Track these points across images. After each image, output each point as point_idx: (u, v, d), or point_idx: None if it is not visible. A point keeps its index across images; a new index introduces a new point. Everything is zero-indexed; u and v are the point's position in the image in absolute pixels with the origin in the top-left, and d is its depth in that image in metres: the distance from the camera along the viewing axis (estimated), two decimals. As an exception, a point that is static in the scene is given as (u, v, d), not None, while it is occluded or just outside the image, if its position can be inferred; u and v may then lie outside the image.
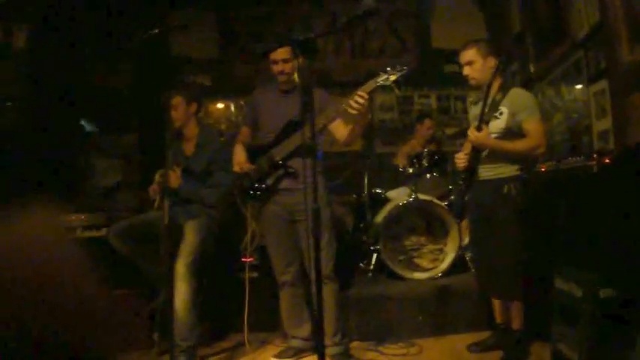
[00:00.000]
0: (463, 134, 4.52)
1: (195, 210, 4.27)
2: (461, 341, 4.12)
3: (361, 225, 5.76)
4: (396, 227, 5.19)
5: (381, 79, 3.25)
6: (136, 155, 6.87)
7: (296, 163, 3.74)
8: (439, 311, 4.50)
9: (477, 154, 3.76)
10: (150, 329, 4.13)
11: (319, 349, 2.68)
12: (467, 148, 3.87)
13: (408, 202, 5.13)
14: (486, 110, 3.69)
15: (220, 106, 7.85)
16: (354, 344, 4.23)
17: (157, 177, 4.41)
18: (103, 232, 4.52)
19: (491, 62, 3.75)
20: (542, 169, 3.86)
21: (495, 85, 3.75)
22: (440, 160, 5.66)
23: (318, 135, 3.84)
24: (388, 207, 5.31)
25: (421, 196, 5.17)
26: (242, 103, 7.73)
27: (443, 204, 5.22)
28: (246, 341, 4.14)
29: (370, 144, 7.57)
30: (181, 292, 3.89)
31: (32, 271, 0.90)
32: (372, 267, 5.14)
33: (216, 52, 7.84)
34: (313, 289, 3.52)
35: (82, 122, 6.64)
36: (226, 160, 4.43)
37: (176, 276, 3.91)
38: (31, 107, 5.51)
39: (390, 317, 4.48)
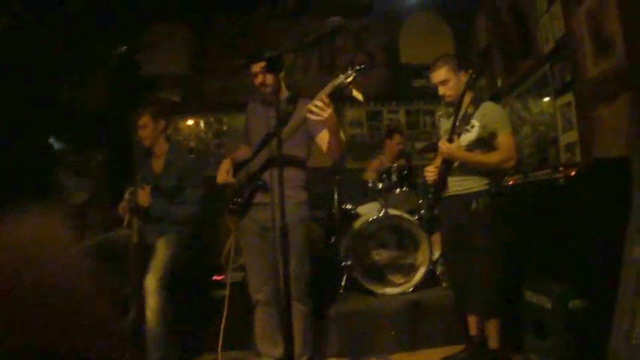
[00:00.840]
0: (432, 148, 4.55)
1: (166, 227, 4.25)
2: (434, 355, 4.10)
3: (332, 241, 5.75)
4: (366, 242, 5.18)
5: (339, 81, 3.18)
6: (106, 173, 6.80)
7: (270, 177, 3.67)
8: (412, 326, 4.48)
9: (447, 166, 3.78)
10: (121, 347, 4.07)
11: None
12: (437, 161, 3.89)
13: (378, 218, 5.13)
14: (457, 123, 3.72)
15: (190, 122, 7.81)
16: (327, 361, 4.21)
17: (126, 195, 4.36)
18: (72, 251, 4.45)
19: (463, 77, 3.78)
20: (510, 182, 3.89)
21: (467, 99, 3.77)
22: (409, 175, 5.68)
23: (303, 147, 3.83)
24: (358, 222, 5.31)
25: (391, 211, 5.17)
26: (212, 119, 7.72)
27: (413, 218, 5.23)
28: (219, 360, 4.07)
29: (340, 159, 7.57)
30: (152, 307, 3.84)
31: (33, 276, 0.89)
32: (343, 283, 5.11)
33: (186, 69, 7.81)
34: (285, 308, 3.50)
35: (51, 140, 6.56)
36: (196, 177, 4.42)
37: (146, 291, 3.86)
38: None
39: (363, 333, 4.46)
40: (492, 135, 3.66)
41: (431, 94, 7.36)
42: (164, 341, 3.88)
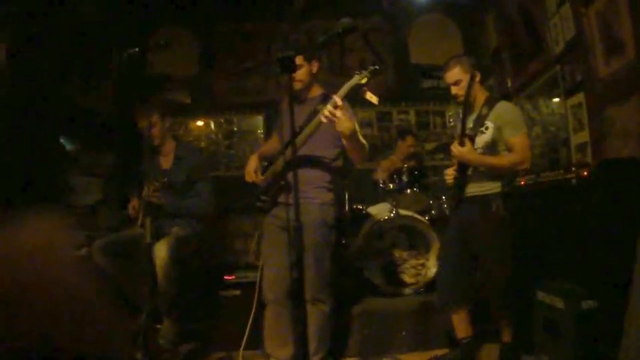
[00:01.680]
0: (442, 149, 4.54)
1: (179, 220, 4.33)
2: (445, 356, 4.12)
3: (343, 241, 5.75)
4: (377, 243, 5.18)
5: (354, 82, 3.16)
6: (116, 173, 6.83)
7: (292, 176, 3.62)
8: (422, 326, 4.49)
9: (462, 169, 3.75)
10: (132, 349, 4.10)
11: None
12: (455, 163, 3.85)
13: (390, 218, 5.14)
14: (471, 125, 3.70)
15: (200, 123, 7.84)
16: (338, 361, 4.21)
17: (142, 195, 4.41)
18: (83, 251, 4.49)
19: (476, 77, 3.69)
20: (522, 183, 3.89)
21: (481, 98, 3.75)
22: (420, 176, 5.68)
23: (332, 146, 3.80)
24: (369, 223, 5.31)
25: (402, 212, 5.18)
26: (222, 120, 7.74)
27: (424, 219, 5.23)
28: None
29: (350, 160, 7.56)
30: (162, 266, 3.93)
31: (36, 279, 0.90)
32: (354, 284, 5.12)
33: (196, 70, 7.84)
34: (307, 308, 3.48)
35: (62, 140, 6.59)
36: (205, 171, 4.46)
37: (156, 256, 3.94)
38: (10, 125, 5.47)
39: (374, 333, 4.46)
40: (506, 136, 3.60)
41: (441, 95, 7.41)
42: (174, 299, 4.03)
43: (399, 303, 4.76)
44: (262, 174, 3.83)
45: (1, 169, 5.02)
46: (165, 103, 5.23)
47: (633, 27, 3.77)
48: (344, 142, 3.50)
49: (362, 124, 7.75)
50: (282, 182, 3.66)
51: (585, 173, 3.22)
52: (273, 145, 4.13)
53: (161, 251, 3.96)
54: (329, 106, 3.08)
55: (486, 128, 3.64)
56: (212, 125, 7.81)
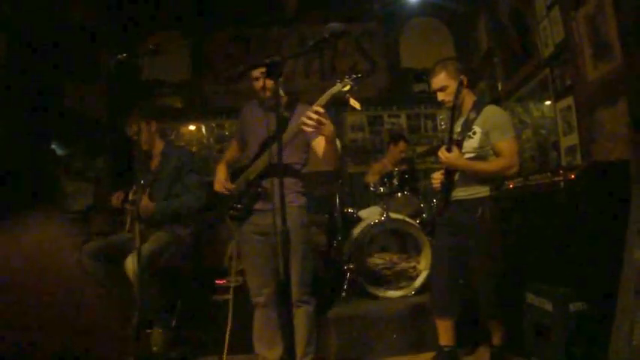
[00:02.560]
0: (433, 152, 4.53)
1: (163, 224, 4.34)
2: (435, 359, 4.13)
3: (334, 244, 5.76)
4: (368, 246, 5.20)
5: (336, 90, 3.17)
6: (107, 178, 6.83)
7: (271, 183, 3.63)
8: (414, 329, 4.49)
9: (449, 174, 3.74)
10: (124, 350, 4.10)
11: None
12: (443, 167, 3.84)
13: (380, 221, 5.15)
14: (459, 130, 3.70)
15: (192, 128, 7.84)
16: (329, 364, 4.22)
17: (130, 195, 4.40)
18: (74, 256, 4.48)
19: (464, 82, 3.66)
20: (511, 186, 3.90)
21: (469, 102, 3.75)
22: (411, 179, 5.70)
23: (301, 152, 3.83)
24: (360, 226, 5.32)
25: (393, 215, 5.19)
26: (213, 125, 7.75)
27: (415, 222, 5.25)
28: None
29: (341, 164, 7.59)
30: (134, 274, 3.91)
31: (39, 281, 0.90)
32: (345, 286, 5.12)
33: (188, 75, 7.84)
34: (290, 310, 3.50)
35: (53, 145, 6.58)
36: (193, 163, 4.47)
37: (126, 269, 3.98)
38: (4, 130, 5.46)
39: (365, 336, 4.46)
40: (494, 141, 3.58)
41: (432, 98, 7.41)
42: (160, 307, 4.11)
43: (390, 306, 4.76)
44: (231, 182, 3.85)
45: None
46: (151, 108, 5.21)
47: (619, 30, 3.79)
48: (323, 145, 3.49)
49: (353, 128, 7.78)
50: (259, 189, 3.68)
51: (572, 176, 3.23)
52: (234, 153, 4.16)
53: (130, 263, 3.96)
54: (310, 113, 3.08)
55: (474, 133, 3.64)
56: (203, 130, 7.82)
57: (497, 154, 3.59)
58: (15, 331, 0.84)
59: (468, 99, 3.75)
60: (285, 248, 2.69)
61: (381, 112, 7.96)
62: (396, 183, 5.60)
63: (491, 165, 3.60)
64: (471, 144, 3.64)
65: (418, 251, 5.18)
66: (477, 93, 3.97)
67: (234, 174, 3.89)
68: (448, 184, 3.75)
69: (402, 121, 7.97)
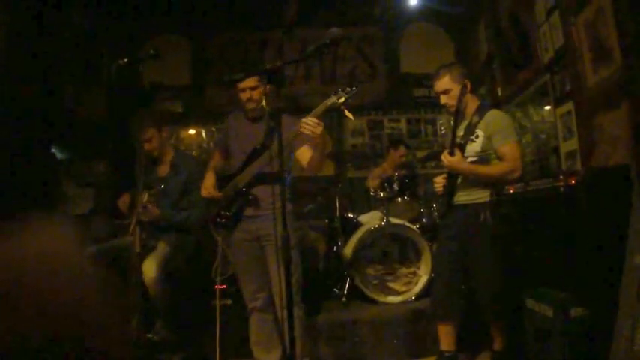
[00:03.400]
0: (433, 157, 4.53)
1: (169, 231, 4.38)
2: (436, 364, 4.12)
3: (334, 250, 5.75)
4: (368, 251, 5.18)
5: (331, 102, 3.19)
6: (108, 183, 6.83)
7: (259, 190, 3.70)
8: (414, 334, 4.49)
9: (452, 178, 3.74)
10: (126, 353, 4.11)
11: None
12: (445, 171, 3.84)
13: (380, 226, 5.15)
14: (462, 134, 3.70)
15: (192, 132, 7.84)
16: (329, 369, 4.21)
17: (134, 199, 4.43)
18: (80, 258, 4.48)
19: (467, 86, 3.66)
20: (511, 191, 3.90)
21: (472, 106, 3.74)
22: (411, 184, 5.69)
23: (287, 162, 3.85)
24: (360, 231, 5.31)
25: (393, 220, 5.19)
26: (213, 129, 7.75)
27: (415, 227, 5.24)
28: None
29: (342, 169, 7.59)
30: (151, 282, 4.06)
31: (45, 284, 0.91)
32: (345, 292, 5.11)
33: (188, 79, 7.85)
34: (281, 314, 3.51)
35: (54, 150, 6.58)
36: (201, 180, 4.49)
37: (145, 274, 4.04)
38: (2, 134, 5.46)
39: (365, 341, 4.46)
40: (497, 145, 3.58)
41: (432, 103, 7.44)
42: (166, 311, 4.17)
43: (390, 311, 4.76)
44: (219, 190, 3.88)
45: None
46: (159, 115, 5.24)
47: (619, 35, 3.79)
48: (310, 154, 3.60)
49: (354, 133, 7.78)
50: (250, 197, 3.71)
51: (573, 181, 3.23)
52: (219, 161, 4.19)
53: (150, 271, 4.04)
54: (303, 123, 3.16)
55: (477, 137, 3.63)
56: (204, 134, 7.82)
57: (500, 158, 3.58)
58: (17, 334, 0.85)
59: (471, 103, 3.75)
60: (286, 252, 2.71)
61: (381, 116, 7.95)
62: (397, 188, 5.60)
63: (494, 169, 3.59)
64: (473, 148, 3.63)
65: (418, 256, 5.17)
66: (479, 97, 3.95)
67: (221, 182, 3.92)
68: (450, 189, 3.75)
69: (402, 125, 7.97)
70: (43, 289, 0.90)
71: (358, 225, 5.68)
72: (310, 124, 3.11)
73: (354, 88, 3.18)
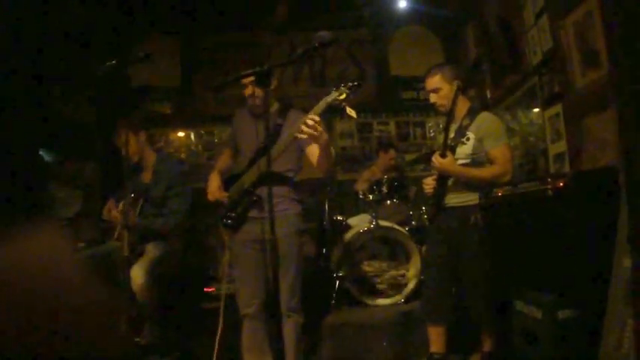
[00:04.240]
0: (423, 159, 4.53)
1: (154, 236, 4.35)
2: (426, 367, 4.12)
3: (323, 252, 5.74)
4: (357, 254, 5.18)
5: (331, 98, 3.13)
6: (96, 185, 6.78)
7: (264, 191, 3.60)
8: (403, 337, 4.48)
9: (443, 180, 3.75)
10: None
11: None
12: (435, 173, 3.84)
13: (369, 229, 5.15)
14: (452, 136, 3.70)
15: (181, 134, 7.81)
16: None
17: (120, 206, 4.40)
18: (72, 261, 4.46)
19: (460, 87, 3.70)
20: (499, 194, 3.90)
21: (463, 109, 3.75)
22: (400, 187, 5.69)
23: (295, 160, 3.81)
24: (349, 234, 5.31)
25: (382, 223, 5.19)
26: (202, 132, 7.73)
27: (404, 230, 5.24)
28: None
29: (330, 171, 7.56)
30: (140, 288, 4.04)
31: (41, 288, 0.90)
32: (334, 294, 5.10)
33: (177, 81, 7.82)
34: (280, 321, 3.47)
35: (41, 152, 6.55)
36: (183, 186, 4.45)
37: (134, 280, 4.00)
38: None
39: (354, 344, 4.45)
40: (487, 148, 3.61)
41: (421, 106, 7.46)
42: (155, 315, 4.15)
43: (380, 314, 4.76)
44: (225, 190, 3.81)
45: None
46: (139, 118, 5.19)
47: (606, 38, 3.81)
48: (318, 152, 3.45)
49: (342, 135, 7.78)
50: (255, 198, 3.62)
51: (561, 184, 3.23)
52: (226, 161, 4.11)
53: (138, 277, 4.02)
54: (307, 120, 3.06)
55: (467, 139, 3.65)
56: (192, 137, 7.80)
57: (490, 161, 3.60)
58: (12, 337, 0.84)
59: (462, 105, 3.76)
60: (274, 257, 2.68)
61: (370, 119, 7.96)
62: (385, 190, 5.60)
63: (485, 172, 3.61)
64: (464, 150, 3.65)
65: (407, 259, 5.17)
66: (469, 99, 3.97)
67: (229, 181, 3.85)
68: (441, 191, 3.75)
69: (391, 128, 7.97)
70: (42, 291, 0.89)
71: (347, 227, 5.67)
72: (309, 124, 3.05)
73: (356, 83, 3.13)
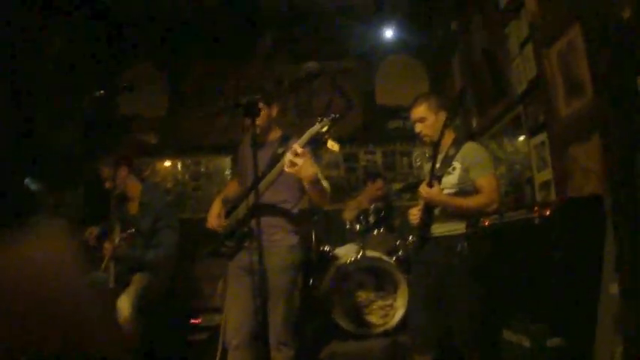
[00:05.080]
0: (410, 189, 4.54)
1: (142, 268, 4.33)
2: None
3: (310, 283, 5.71)
4: (344, 285, 5.16)
5: (315, 130, 3.18)
6: (80, 214, 6.74)
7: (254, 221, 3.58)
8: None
9: (429, 210, 3.75)
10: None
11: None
12: (421, 203, 3.84)
13: (356, 259, 5.14)
14: (438, 166, 3.70)
15: (167, 164, 7.79)
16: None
17: (116, 240, 4.40)
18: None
19: (443, 117, 3.71)
20: (486, 223, 3.90)
21: (448, 139, 3.76)
22: (387, 216, 5.70)
23: (294, 191, 3.79)
24: (336, 264, 5.30)
25: (369, 253, 5.18)
26: (189, 161, 7.71)
27: (391, 260, 5.23)
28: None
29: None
30: (126, 320, 4.00)
31: (47, 292, 0.91)
32: (321, 325, 5.07)
33: (164, 111, 7.81)
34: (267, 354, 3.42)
35: (27, 181, 6.50)
36: (171, 217, 4.44)
37: (119, 311, 3.99)
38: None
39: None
40: (474, 178, 3.63)
41: (407, 136, 7.48)
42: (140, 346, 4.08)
43: (367, 345, 4.73)
44: (226, 218, 3.79)
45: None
46: (120, 152, 5.17)
47: (590, 67, 3.85)
48: (306, 187, 3.48)
49: (328, 165, 7.78)
50: (246, 228, 3.60)
51: (547, 212, 3.24)
52: (234, 189, 4.10)
53: (124, 309, 3.99)
54: (290, 155, 3.08)
55: (453, 169, 3.67)
56: (179, 166, 7.78)
57: (477, 190, 3.61)
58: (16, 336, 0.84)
59: (448, 135, 3.77)
60: (262, 288, 2.66)
61: (356, 149, 7.97)
62: (372, 220, 5.60)
63: (472, 201, 3.62)
64: (449, 180, 3.66)
65: (395, 289, 5.16)
66: (454, 129, 3.99)
67: (228, 210, 3.83)
68: (427, 220, 3.75)
69: (378, 158, 7.98)
70: (48, 295, 0.90)
71: (334, 257, 5.65)
72: (294, 156, 3.06)
73: (337, 116, 3.19)
